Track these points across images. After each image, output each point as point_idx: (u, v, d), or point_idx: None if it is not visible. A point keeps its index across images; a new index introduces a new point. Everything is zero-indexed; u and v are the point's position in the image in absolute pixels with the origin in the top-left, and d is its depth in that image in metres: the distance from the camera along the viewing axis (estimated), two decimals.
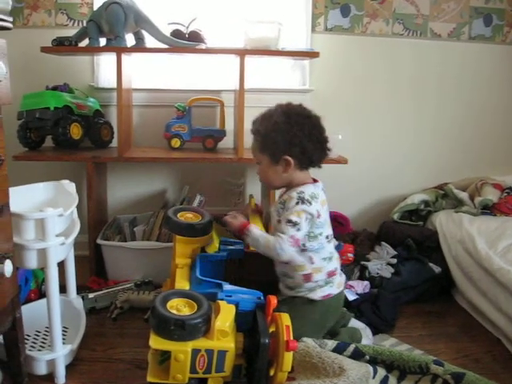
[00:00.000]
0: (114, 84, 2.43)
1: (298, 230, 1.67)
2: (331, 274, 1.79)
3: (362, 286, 2.28)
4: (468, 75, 2.93)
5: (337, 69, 2.81)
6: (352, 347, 1.65)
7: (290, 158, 1.73)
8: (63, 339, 1.66)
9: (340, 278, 1.84)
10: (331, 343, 1.67)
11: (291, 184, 1.79)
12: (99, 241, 2.34)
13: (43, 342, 1.79)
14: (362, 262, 2.47)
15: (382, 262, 2.47)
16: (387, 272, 2.39)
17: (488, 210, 2.65)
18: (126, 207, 2.80)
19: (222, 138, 2.64)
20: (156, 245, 2.33)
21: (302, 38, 2.74)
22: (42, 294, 2.12)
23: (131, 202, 2.82)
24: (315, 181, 1.83)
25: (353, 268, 2.46)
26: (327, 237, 1.78)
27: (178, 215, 1.82)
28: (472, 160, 3.03)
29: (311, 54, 2.38)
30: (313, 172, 1.84)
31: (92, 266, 2.39)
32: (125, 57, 2.31)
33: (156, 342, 1.34)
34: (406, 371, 1.59)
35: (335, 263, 1.82)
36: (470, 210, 2.62)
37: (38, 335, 1.83)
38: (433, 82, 2.92)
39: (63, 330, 1.77)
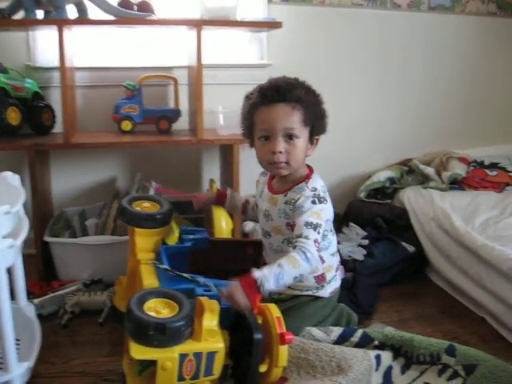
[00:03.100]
0: (53, 63, 2.20)
1: (319, 232, 1.44)
2: (338, 268, 1.69)
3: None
4: (429, 46, 2.86)
5: (297, 42, 2.66)
6: (359, 332, 1.55)
7: (318, 138, 1.58)
8: (16, 354, 1.44)
9: (341, 267, 1.74)
10: (337, 330, 1.56)
11: (297, 171, 1.58)
12: (47, 238, 2.11)
13: None
14: None
15: (352, 243, 2.37)
16: (360, 254, 2.28)
17: (456, 184, 2.59)
18: (73, 199, 2.57)
19: (177, 119, 2.44)
20: (112, 239, 2.12)
21: (258, 10, 2.58)
22: None
23: (78, 193, 2.59)
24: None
25: None
26: (331, 229, 1.63)
27: (134, 205, 1.66)
28: (434, 134, 2.98)
29: (273, 25, 2.22)
30: None
31: (40, 266, 2.15)
32: (66, 31, 2.06)
33: (138, 352, 1.16)
34: (413, 360, 1.48)
35: (337, 253, 1.71)
36: (438, 186, 2.55)
37: None
38: (396, 53, 2.84)
39: (15, 344, 1.54)
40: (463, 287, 2.04)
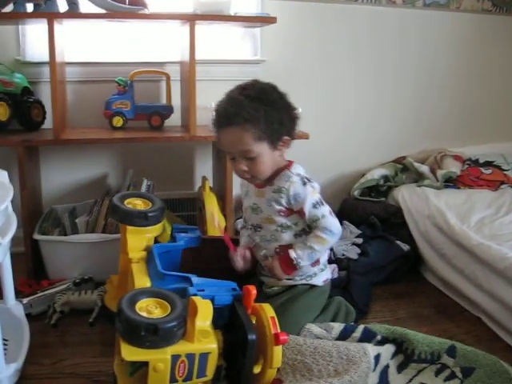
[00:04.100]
0: (44, 57, 2.14)
1: (324, 204, 1.60)
2: (328, 255, 1.77)
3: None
4: (424, 43, 2.84)
5: (290, 38, 2.62)
6: (361, 328, 1.55)
7: (289, 137, 1.57)
8: (4, 355, 1.40)
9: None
10: (338, 326, 1.57)
11: (277, 166, 1.62)
12: (36, 236, 2.06)
13: None
14: None
15: (346, 242, 2.34)
16: (354, 253, 2.26)
17: (451, 182, 2.57)
18: (64, 196, 2.52)
19: (170, 115, 2.40)
20: (103, 237, 2.08)
21: (252, 5, 2.55)
22: None
23: (69, 190, 2.54)
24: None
25: None
26: None
27: (125, 202, 1.62)
28: (429, 132, 2.96)
29: (267, 20, 2.19)
30: None
31: (29, 264, 2.11)
32: (57, 25, 2.02)
33: (129, 353, 1.13)
34: (414, 358, 1.47)
35: None
36: (432, 184, 2.53)
37: None
38: (391, 50, 2.82)
39: (3, 344, 1.51)
40: (459, 286, 2.02)
